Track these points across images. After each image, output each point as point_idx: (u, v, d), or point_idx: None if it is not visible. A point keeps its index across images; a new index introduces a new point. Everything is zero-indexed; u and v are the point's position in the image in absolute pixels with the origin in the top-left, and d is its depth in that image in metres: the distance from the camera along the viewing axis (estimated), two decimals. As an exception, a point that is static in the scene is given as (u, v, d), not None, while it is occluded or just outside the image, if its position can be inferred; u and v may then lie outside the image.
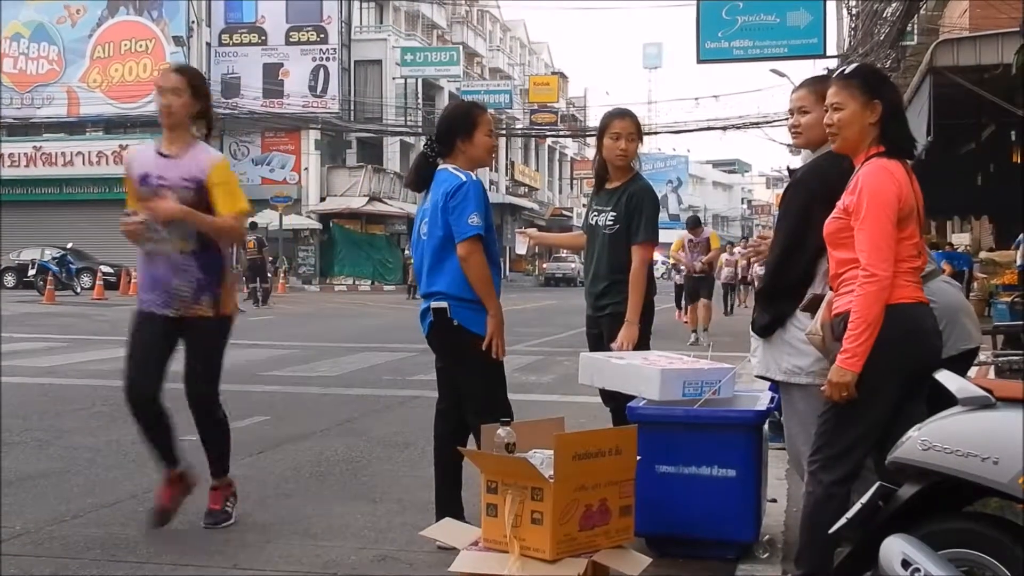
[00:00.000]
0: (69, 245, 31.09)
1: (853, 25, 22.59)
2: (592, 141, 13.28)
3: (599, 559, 3.43)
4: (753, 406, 4.30)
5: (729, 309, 23.63)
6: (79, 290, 28.78)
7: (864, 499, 2.99)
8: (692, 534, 4.14)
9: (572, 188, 70.71)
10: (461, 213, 4.22)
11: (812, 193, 3.73)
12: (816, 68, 23.27)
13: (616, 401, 4.57)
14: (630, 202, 4.74)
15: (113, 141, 37.49)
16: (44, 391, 9.14)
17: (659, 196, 5.31)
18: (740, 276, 25.29)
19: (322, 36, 40.80)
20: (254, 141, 40.79)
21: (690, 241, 14.92)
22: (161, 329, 4.49)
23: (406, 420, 7.71)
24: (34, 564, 4.11)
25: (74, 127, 40.20)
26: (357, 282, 39.42)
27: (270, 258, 27.46)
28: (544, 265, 51.73)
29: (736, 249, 25.95)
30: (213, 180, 4.48)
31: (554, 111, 56.12)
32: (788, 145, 30.43)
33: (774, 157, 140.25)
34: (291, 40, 40.79)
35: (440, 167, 4.41)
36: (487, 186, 7.24)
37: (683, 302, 16.56)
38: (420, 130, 41.48)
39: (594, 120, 49.78)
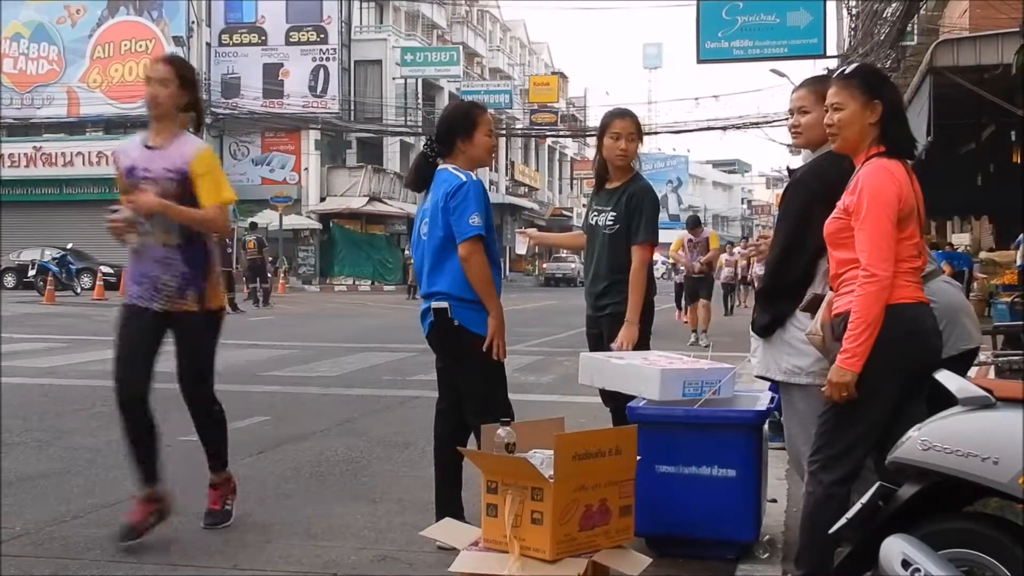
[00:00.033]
0: (69, 245, 31.08)
1: (853, 25, 22.60)
2: (592, 141, 13.30)
3: (599, 559, 3.43)
4: (753, 406, 4.30)
5: (729, 309, 23.63)
6: (79, 290, 28.78)
7: (864, 499, 2.99)
8: (692, 534, 4.14)
9: (572, 188, 70.72)
10: (462, 214, 4.22)
11: (812, 193, 3.73)
12: (816, 68, 23.29)
13: (616, 401, 4.57)
14: (630, 202, 4.74)
15: (113, 141, 37.19)
16: (44, 391, 9.14)
17: (659, 196, 5.31)
18: (740, 276, 25.29)
19: (322, 36, 40.81)
20: (254, 141, 40.81)
21: (690, 241, 14.92)
22: (149, 324, 4.40)
23: (406, 420, 7.71)
24: (34, 564, 4.11)
25: (74, 127, 40.18)
26: (357, 282, 39.43)
27: (270, 258, 27.47)
28: (544, 265, 51.73)
29: (736, 249, 25.95)
30: (196, 170, 4.38)
31: (554, 111, 56.12)
32: (788, 145, 30.43)
33: (774, 157, 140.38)
34: (291, 40, 40.80)
35: (440, 167, 4.41)
36: (487, 186, 7.24)
37: (683, 302, 16.57)
38: (420, 130, 41.49)
39: (594, 120, 49.80)
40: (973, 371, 4.22)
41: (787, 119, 4.26)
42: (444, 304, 4.30)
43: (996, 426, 2.80)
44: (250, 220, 30.20)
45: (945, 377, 2.96)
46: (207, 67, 39.64)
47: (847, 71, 3.45)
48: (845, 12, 23.55)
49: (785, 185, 4.21)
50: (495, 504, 3.45)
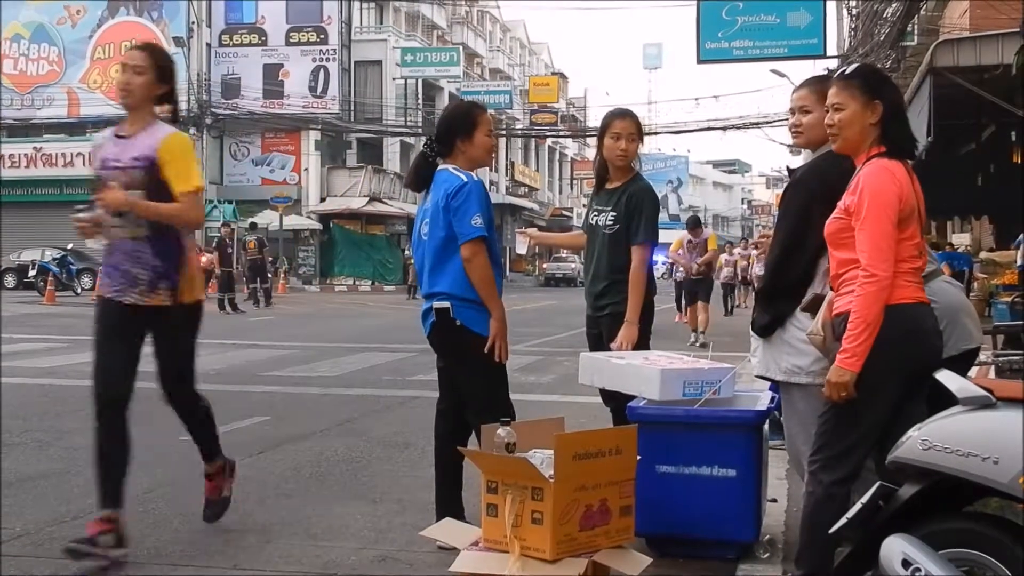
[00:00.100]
0: (69, 246, 31.03)
1: (853, 25, 22.61)
2: (592, 141, 13.30)
3: (599, 559, 3.43)
4: (753, 406, 4.30)
5: (729, 309, 23.63)
6: (79, 291, 28.81)
7: (864, 499, 2.99)
8: (692, 534, 4.14)
9: (572, 188, 70.73)
10: (464, 214, 4.22)
11: (812, 193, 3.73)
12: (816, 68, 23.28)
13: (616, 401, 4.57)
14: (630, 202, 4.74)
15: (113, 142, 37.42)
16: (44, 392, 9.15)
17: (659, 196, 5.32)
18: (740, 276, 25.29)
19: (322, 37, 40.81)
20: (254, 142, 40.78)
21: (689, 242, 14.93)
22: (125, 320, 4.21)
23: (406, 420, 7.72)
24: (34, 565, 4.11)
25: (74, 128, 40.12)
26: (357, 282, 39.42)
27: (270, 258, 27.48)
28: (544, 265, 51.73)
29: (736, 250, 25.96)
30: (163, 157, 4.16)
31: (554, 111, 56.11)
32: (788, 145, 30.38)
33: (774, 157, 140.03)
34: (291, 41, 40.80)
35: (440, 167, 4.41)
36: (487, 186, 7.23)
37: (682, 303, 16.58)
38: (420, 130, 41.48)
39: (594, 120, 49.85)
40: (973, 371, 4.22)
41: (787, 119, 4.26)
42: (446, 304, 4.30)
43: (996, 426, 2.80)
44: (250, 220, 30.24)
45: (945, 377, 2.96)
46: (207, 68, 39.63)
47: (848, 71, 3.45)
48: (845, 12, 23.56)
49: (785, 185, 4.21)
50: (495, 504, 3.45)
